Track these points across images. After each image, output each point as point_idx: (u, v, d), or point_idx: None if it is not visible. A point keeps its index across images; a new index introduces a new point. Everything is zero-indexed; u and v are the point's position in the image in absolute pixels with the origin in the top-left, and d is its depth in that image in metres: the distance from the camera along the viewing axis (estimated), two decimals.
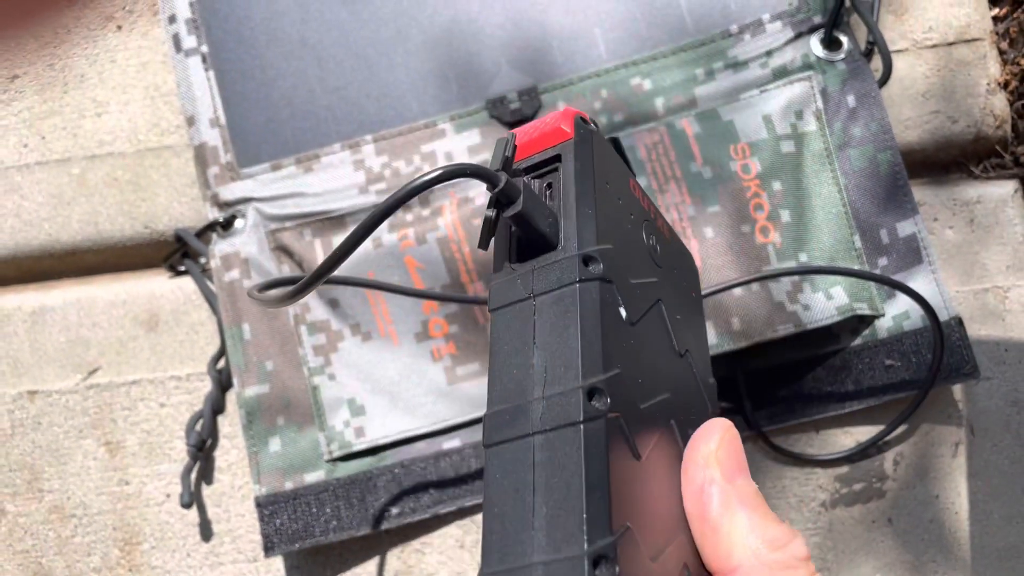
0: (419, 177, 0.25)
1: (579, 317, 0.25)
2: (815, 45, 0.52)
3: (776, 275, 0.48)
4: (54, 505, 0.54)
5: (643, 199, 0.30)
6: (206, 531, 0.53)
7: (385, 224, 0.52)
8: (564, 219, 0.26)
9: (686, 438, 0.27)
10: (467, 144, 0.53)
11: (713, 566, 0.25)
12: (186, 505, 0.50)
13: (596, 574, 0.21)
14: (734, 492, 0.25)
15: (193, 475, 0.52)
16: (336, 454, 0.50)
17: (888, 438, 0.50)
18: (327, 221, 0.52)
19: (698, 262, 0.50)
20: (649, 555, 0.23)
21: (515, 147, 0.28)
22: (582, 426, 0.23)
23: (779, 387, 0.51)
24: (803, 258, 0.50)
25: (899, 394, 0.49)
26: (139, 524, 0.53)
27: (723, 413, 0.48)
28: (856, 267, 0.50)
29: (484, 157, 0.53)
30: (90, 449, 0.54)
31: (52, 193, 0.57)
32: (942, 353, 0.48)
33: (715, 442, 0.26)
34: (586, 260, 0.25)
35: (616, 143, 0.51)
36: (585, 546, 0.21)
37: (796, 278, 0.49)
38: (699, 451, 0.26)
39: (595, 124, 0.28)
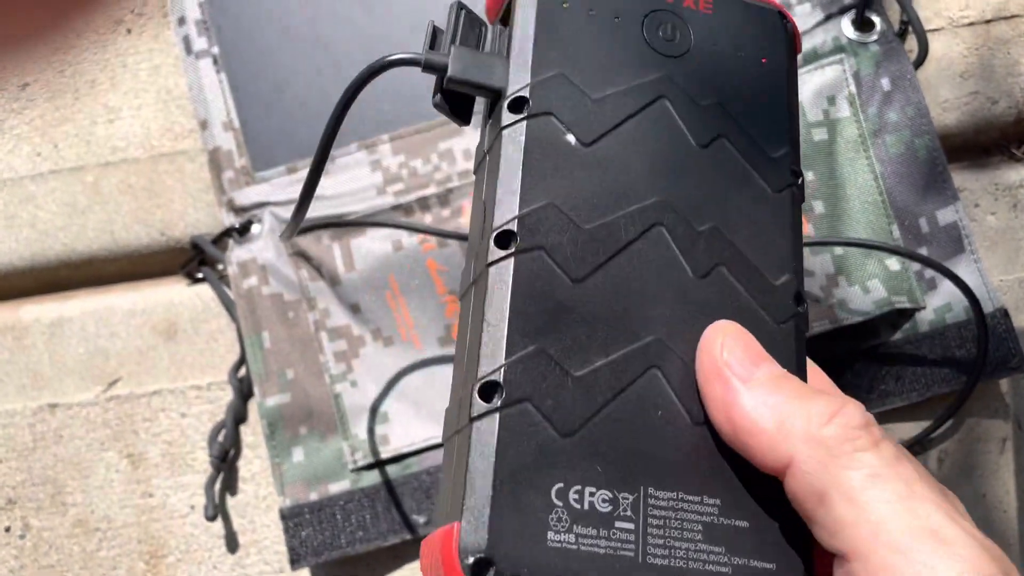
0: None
1: (499, 163, 0.25)
2: (846, 27, 0.50)
3: (812, 244, 0.47)
4: (78, 519, 0.53)
5: None
6: (232, 543, 0.52)
7: None
8: (508, 63, 0.27)
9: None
10: None
11: (771, 468, 0.23)
12: (210, 518, 0.49)
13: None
14: (759, 388, 0.23)
15: (217, 486, 0.51)
16: (360, 463, 0.49)
17: (932, 435, 0.48)
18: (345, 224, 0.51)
19: None
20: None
21: (460, 17, 0.28)
22: (490, 269, 0.24)
23: None
24: (838, 251, 0.48)
25: (943, 390, 0.47)
26: (164, 537, 0.52)
27: None
28: (895, 259, 0.48)
29: None
30: (112, 461, 0.53)
31: (66, 202, 0.56)
32: (987, 346, 0.46)
33: (718, 348, 0.24)
34: (515, 103, 0.26)
35: None
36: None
37: (831, 271, 0.48)
38: (705, 365, 0.24)
39: None
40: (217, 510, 0.50)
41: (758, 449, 0.23)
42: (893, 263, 0.48)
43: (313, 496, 0.49)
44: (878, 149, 0.49)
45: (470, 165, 0.51)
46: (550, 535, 0.22)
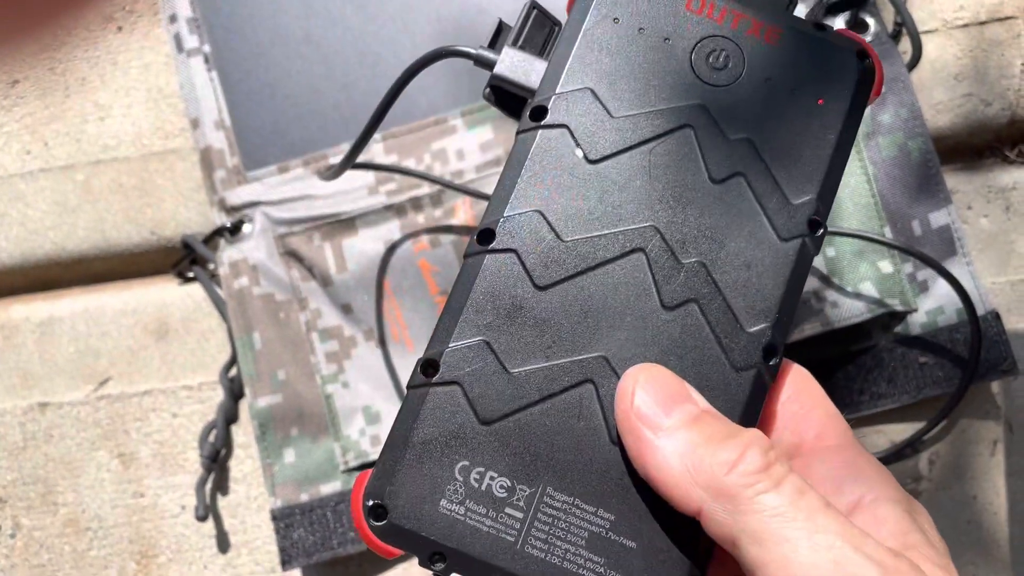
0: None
1: (506, 166, 0.27)
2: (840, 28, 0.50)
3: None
4: (69, 518, 0.53)
5: (715, 12, 0.28)
6: (223, 543, 0.52)
7: (397, 228, 0.50)
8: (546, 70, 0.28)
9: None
10: (479, 141, 0.51)
11: (686, 513, 0.24)
12: (201, 518, 0.49)
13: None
14: (668, 437, 0.24)
15: (208, 487, 0.51)
16: (352, 464, 0.49)
17: (924, 437, 0.48)
18: (337, 224, 0.51)
19: None
20: None
21: (530, 17, 0.29)
22: (467, 260, 0.26)
23: None
24: (830, 252, 0.48)
25: (934, 392, 0.47)
26: (155, 537, 0.52)
27: None
28: (887, 261, 0.48)
29: (497, 153, 0.51)
30: (103, 461, 0.53)
31: (57, 200, 0.55)
32: (979, 350, 0.46)
33: (630, 395, 0.25)
34: (536, 112, 0.27)
35: None
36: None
37: (824, 273, 0.47)
38: (618, 413, 0.25)
39: None
40: (208, 510, 0.50)
41: (671, 497, 0.24)
42: (885, 265, 0.48)
43: (304, 497, 0.49)
44: (871, 151, 0.49)
45: (463, 165, 0.51)
46: (443, 502, 0.25)
